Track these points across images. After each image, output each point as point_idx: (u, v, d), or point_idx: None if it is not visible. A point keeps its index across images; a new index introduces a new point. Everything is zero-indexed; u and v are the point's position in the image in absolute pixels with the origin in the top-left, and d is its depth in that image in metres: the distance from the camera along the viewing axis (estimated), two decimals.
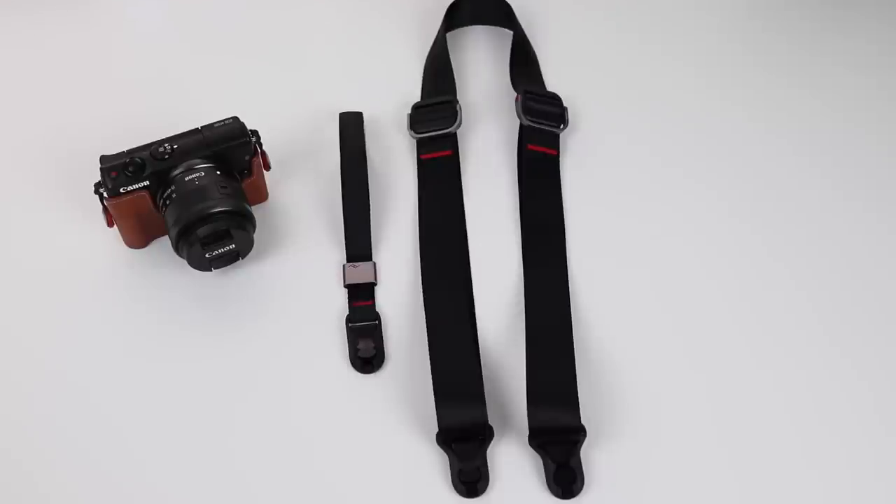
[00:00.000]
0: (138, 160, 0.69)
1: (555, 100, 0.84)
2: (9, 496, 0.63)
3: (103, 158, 0.70)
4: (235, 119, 0.73)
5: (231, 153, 0.72)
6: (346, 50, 0.92)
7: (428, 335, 0.69)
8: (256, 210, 0.75)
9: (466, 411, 0.65)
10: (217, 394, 0.68)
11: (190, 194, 0.69)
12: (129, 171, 0.69)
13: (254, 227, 0.72)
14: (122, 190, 0.70)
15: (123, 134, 0.74)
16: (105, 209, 0.72)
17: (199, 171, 0.70)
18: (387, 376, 0.69)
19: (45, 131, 0.83)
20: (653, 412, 0.67)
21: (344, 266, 0.74)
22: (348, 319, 0.71)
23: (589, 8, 0.95)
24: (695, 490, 0.63)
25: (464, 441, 0.64)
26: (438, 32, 0.91)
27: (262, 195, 0.78)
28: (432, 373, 0.67)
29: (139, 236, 0.74)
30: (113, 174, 0.69)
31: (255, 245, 0.72)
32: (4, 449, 0.65)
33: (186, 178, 0.70)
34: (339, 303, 0.73)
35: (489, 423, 0.65)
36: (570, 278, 0.73)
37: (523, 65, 0.89)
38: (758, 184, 0.80)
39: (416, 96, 0.86)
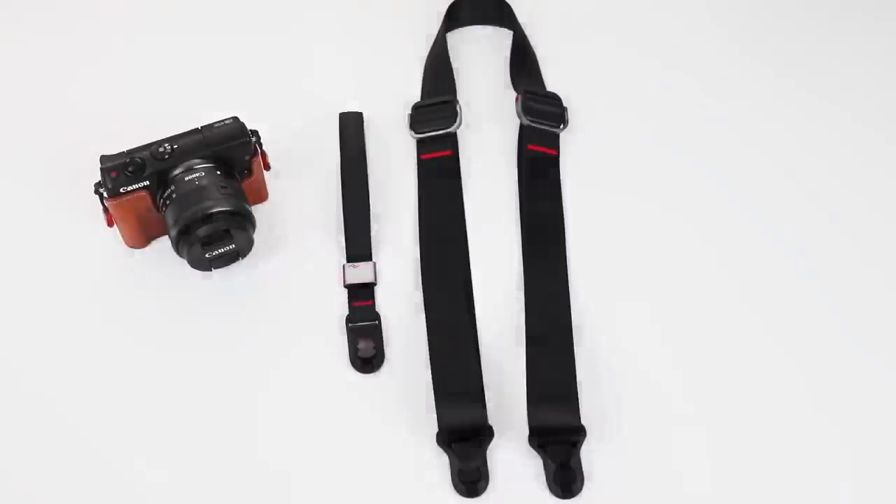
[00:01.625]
0: (138, 160, 0.69)
1: (555, 100, 0.84)
2: (9, 496, 0.63)
3: (103, 158, 0.70)
4: (235, 119, 0.73)
5: (231, 153, 0.72)
6: (346, 50, 0.92)
7: (428, 335, 0.69)
8: (256, 210, 0.75)
9: (466, 411, 0.65)
10: (217, 394, 0.68)
11: (190, 194, 0.69)
12: (129, 171, 0.69)
13: (254, 227, 0.72)
14: (122, 190, 0.70)
15: (123, 134, 0.74)
16: (105, 209, 0.72)
17: (199, 171, 0.70)
18: (387, 376, 0.69)
19: (46, 131, 0.83)
20: (653, 412, 0.67)
21: (344, 266, 0.74)
22: (348, 319, 0.71)
23: (589, 8, 0.95)
24: (695, 490, 0.63)
25: (464, 441, 0.64)
26: (438, 32, 0.90)
27: (262, 195, 0.78)
28: (432, 373, 0.67)
29: (139, 236, 0.74)
30: (113, 174, 0.69)
31: (255, 245, 0.72)
32: (4, 449, 0.65)
33: (186, 178, 0.70)
34: (339, 303, 0.73)
35: (489, 423, 0.65)
36: (570, 278, 0.73)
37: (523, 65, 0.88)
38: (757, 184, 0.80)
39: (416, 96, 0.86)
